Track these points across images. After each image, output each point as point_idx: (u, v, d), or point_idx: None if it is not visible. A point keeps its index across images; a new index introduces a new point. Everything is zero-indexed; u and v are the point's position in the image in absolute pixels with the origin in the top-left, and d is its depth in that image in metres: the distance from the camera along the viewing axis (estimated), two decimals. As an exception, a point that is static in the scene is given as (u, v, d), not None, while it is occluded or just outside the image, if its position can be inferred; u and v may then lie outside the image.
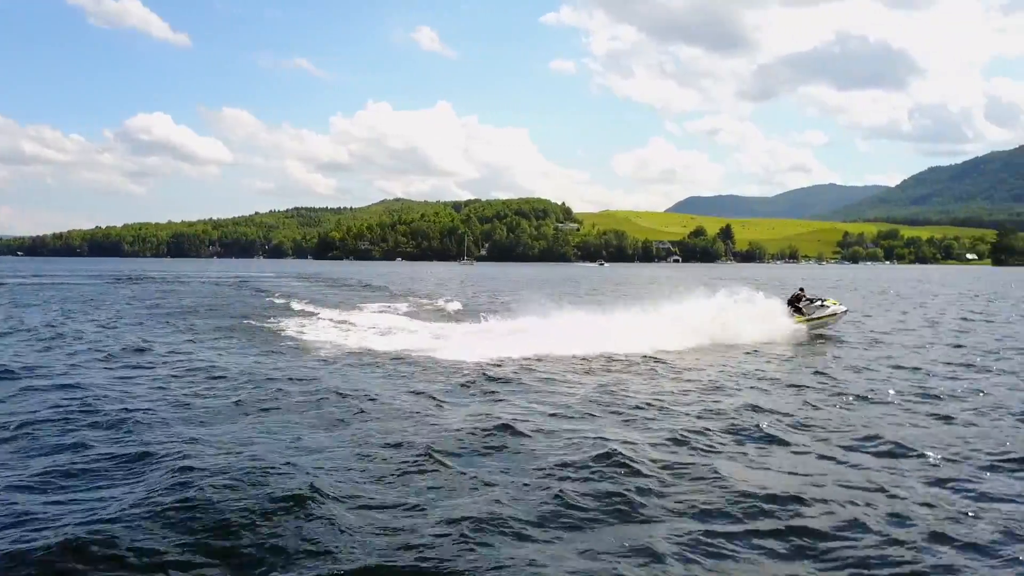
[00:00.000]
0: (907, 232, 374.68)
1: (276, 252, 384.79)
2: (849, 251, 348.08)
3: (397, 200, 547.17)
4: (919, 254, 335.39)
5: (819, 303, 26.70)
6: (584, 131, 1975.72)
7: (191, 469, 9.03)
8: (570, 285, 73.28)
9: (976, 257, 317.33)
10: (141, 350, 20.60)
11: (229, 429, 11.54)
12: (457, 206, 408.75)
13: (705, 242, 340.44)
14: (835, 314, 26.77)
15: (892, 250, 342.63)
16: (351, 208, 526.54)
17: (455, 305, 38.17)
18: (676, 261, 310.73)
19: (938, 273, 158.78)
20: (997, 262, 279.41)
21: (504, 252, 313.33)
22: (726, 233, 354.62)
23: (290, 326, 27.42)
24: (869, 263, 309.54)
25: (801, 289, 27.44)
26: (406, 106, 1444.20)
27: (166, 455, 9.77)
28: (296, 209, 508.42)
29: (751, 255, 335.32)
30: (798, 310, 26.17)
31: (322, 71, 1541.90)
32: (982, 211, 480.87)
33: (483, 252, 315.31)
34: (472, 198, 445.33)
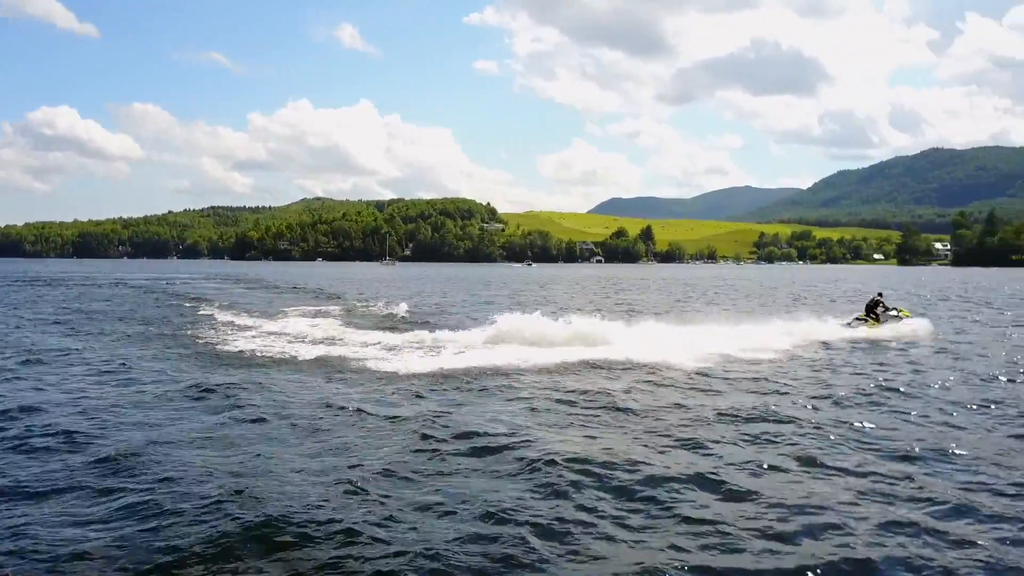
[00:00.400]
0: (819, 233, 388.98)
1: (191, 252, 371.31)
2: (765, 251, 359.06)
3: (317, 199, 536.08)
4: (830, 254, 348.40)
5: (894, 312, 26.86)
6: (507, 132, 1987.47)
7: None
8: (523, 284, 71.87)
9: (883, 257, 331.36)
10: (36, 361, 18.39)
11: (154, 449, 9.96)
12: (380, 205, 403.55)
13: (627, 243, 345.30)
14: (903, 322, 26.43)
15: (805, 250, 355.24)
16: (270, 207, 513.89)
17: (398, 309, 35.20)
18: (599, 261, 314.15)
19: (855, 272, 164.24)
20: (902, 262, 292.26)
21: (429, 252, 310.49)
22: (647, 234, 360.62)
23: (208, 334, 24.83)
24: (785, 263, 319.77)
25: (880, 295, 27.59)
26: (327, 103, 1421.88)
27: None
28: (212, 208, 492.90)
29: (671, 256, 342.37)
30: (875, 316, 26.17)
31: (239, 66, 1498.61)
32: (887, 213, 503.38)
33: (407, 252, 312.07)
34: (395, 197, 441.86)
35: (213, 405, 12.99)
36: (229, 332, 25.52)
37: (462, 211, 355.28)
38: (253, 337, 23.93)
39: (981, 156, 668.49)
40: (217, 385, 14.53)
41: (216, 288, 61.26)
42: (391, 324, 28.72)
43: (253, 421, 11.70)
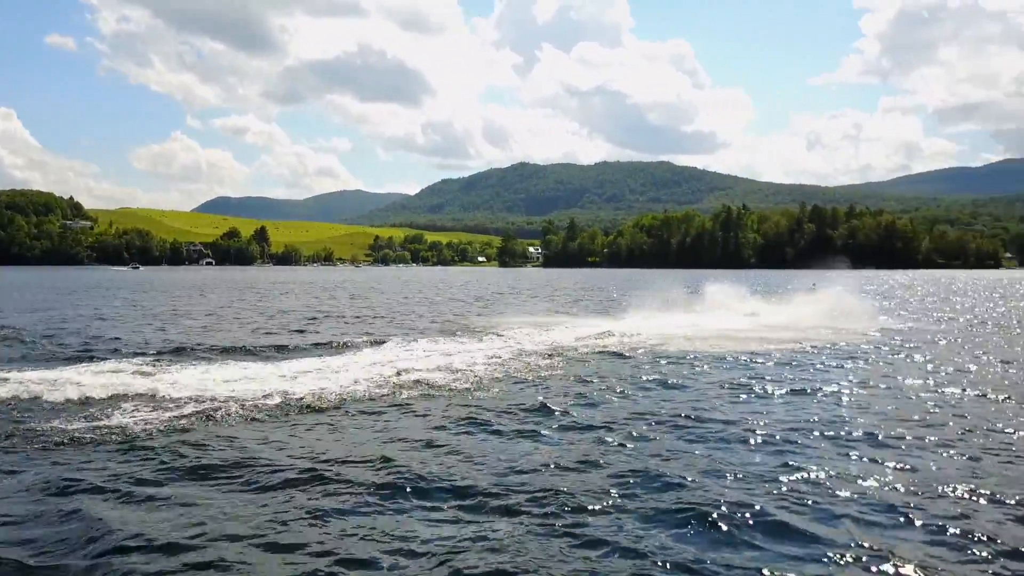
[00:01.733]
0: (430, 236, 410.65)
1: None
2: (380, 254, 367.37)
3: None
4: (441, 257, 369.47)
5: None
6: (91, 119, 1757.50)
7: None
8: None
9: (485, 260, 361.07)
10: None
11: None
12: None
13: (240, 244, 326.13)
14: None
15: (418, 253, 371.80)
16: None
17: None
18: (210, 263, 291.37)
19: (479, 274, 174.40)
20: (503, 264, 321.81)
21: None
22: (261, 235, 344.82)
23: None
24: (401, 265, 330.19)
25: None
26: None
27: None
28: None
29: (287, 257, 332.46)
30: None
31: None
32: (486, 219, 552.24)
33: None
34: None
35: None
36: None
37: (36, 206, 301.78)
38: None
39: (558, 171, 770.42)
40: None
41: None
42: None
43: None
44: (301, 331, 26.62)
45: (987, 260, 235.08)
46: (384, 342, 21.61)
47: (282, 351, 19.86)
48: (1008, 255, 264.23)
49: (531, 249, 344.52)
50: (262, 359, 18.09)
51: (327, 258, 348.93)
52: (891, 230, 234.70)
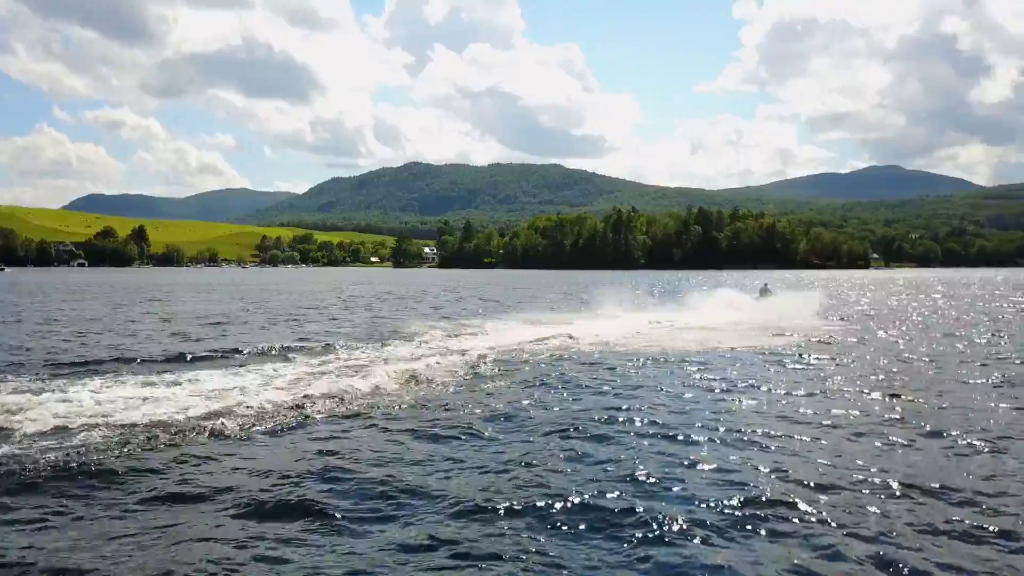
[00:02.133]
0: (320, 237, 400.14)
1: None
2: (268, 254, 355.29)
3: None
4: (331, 257, 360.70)
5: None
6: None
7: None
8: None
9: (379, 260, 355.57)
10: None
11: None
12: None
13: (116, 244, 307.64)
14: None
15: (308, 253, 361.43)
16: None
17: None
18: (82, 265, 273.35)
19: (373, 274, 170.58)
20: (397, 264, 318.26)
21: None
22: (140, 235, 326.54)
23: None
24: (290, 266, 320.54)
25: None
26: None
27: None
28: None
29: (169, 258, 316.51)
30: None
31: None
32: (378, 219, 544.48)
33: None
34: None
35: None
36: None
37: None
38: None
39: (452, 172, 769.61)
40: None
41: None
42: None
43: None
44: (200, 339, 24.65)
45: (858, 260, 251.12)
46: (292, 353, 20.19)
47: (181, 363, 18.13)
48: (875, 256, 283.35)
49: (426, 250, 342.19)
50: (155, 373, 16.27)
51: (212, 259, 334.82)
52: (772, 232, 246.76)
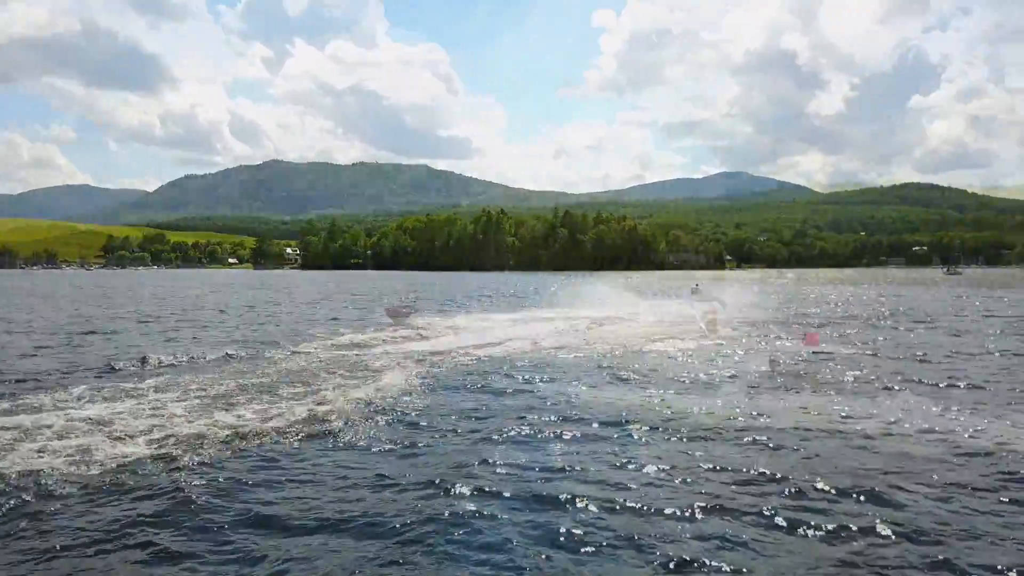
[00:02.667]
0: (173, 237, 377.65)
1: None
2: (116, 255, 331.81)
3: None
4: (186, 258, 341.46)
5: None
6: None
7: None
8: None
9: (237, 261, 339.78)
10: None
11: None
12: None
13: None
14: None
15: (160, 254, 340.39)
16: None
17: None
18: None
19: (239, 276, 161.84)
20: (257, 265, 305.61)
21: None
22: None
23: None
24: (140, 268, 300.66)
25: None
26: None
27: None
28: None
29: (0, 260, 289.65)
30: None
31: None
32: (236, 219, 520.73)
33: None
34: None
35: None
36: None
37: None
38: None
39: (314, 170, 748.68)
40: None
41: None
42: None
43: None
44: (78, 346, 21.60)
45: (715, 262, 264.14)
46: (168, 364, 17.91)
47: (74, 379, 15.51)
48: (728, 257, 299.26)
49: (288, 250, 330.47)
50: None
51: (50, 260, 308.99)
52: (633, 234, 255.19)
